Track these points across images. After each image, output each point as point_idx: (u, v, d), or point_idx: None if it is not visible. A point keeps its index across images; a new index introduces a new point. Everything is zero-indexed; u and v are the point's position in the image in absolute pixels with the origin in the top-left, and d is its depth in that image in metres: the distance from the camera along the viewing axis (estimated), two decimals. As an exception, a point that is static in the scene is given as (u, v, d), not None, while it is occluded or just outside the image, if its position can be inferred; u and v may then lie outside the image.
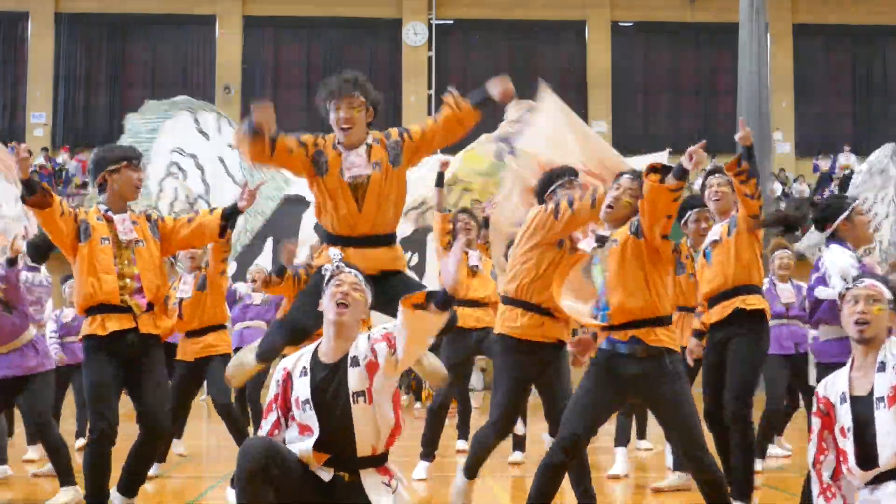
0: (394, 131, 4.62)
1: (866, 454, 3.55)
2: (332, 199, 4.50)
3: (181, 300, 6.96)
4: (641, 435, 8.78)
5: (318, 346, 3.76)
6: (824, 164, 22.83)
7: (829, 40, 24.28)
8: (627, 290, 4.31)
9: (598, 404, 4.40)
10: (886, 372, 3.59)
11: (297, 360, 3.75)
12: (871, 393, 3.59)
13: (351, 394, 3.60)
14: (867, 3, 23.82)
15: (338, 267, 3.75)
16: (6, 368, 5.84)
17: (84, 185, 21.22)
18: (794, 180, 22.25)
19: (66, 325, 8.09)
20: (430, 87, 23.62)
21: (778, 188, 21.28)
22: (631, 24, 24.10)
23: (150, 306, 4.87)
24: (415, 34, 23.76)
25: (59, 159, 22.17)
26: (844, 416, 3.62)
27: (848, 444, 3.59)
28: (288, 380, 3.71)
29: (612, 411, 4.66)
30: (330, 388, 3.63)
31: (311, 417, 3.61)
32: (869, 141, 23.86)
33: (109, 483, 4.85)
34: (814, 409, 3.77)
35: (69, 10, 23.53)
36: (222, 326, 7.20)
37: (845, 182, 22.24)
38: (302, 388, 3.65)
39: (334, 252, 3.73)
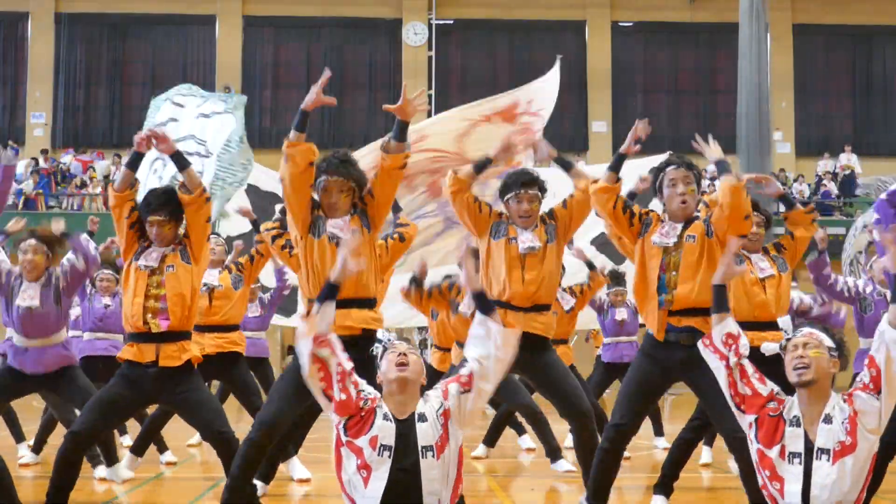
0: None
1: (805, 493, 3.55)
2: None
3: (211, 289, 6.85)
4: (659, 432, 8.81)
5: (385, 399, 3.82)
6: (826, 165, 22.83)
7: (829, 40, 24.29)
8: (701, 283, 4.62)
9: (645, 392, 4.79)
10: (833, 426, 3.58)
11: (382, 401, 3.82)
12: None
13: (420, 448, 3.68)
14: (867, 3, 23.83)
15: (389, 340, 3.90)
16: (36, 364, 5.78)
17: (84, 185, 21.22)
18: (795, 180, 22.26)
19: None
20: (430, 87, 23.61)
21: (778, 188, 21.26)
22: (631, 24, 24.10)
23: (180, 334, 4.94)
24: (415, 34, 23.76)
25: (65, 159, 22.15)
26: (793, 440, 3.59)
27: (794, 470, 3.56)
28: (373, 412, 3.75)
29: (659, 396, 5.01)
30: (404, 444, 3.69)
31: (383, 463, 3.65)
32: (869, 141, 23.89)
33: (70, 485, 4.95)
34: (775, 392, 3.72)
35: (69, 10, 23.54)
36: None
37: (844, 182, 22.26)
38: (386, 432, 3.70)
39: (383, 333, 3.91)
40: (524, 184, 5.29)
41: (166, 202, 4.94)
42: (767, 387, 3.73)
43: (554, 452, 7.25)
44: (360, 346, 4.35)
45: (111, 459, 5.88)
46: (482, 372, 3.79)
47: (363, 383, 3.82)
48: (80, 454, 4.95)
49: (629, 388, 4.80)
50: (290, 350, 22.10)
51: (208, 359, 6.41)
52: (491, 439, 8.29)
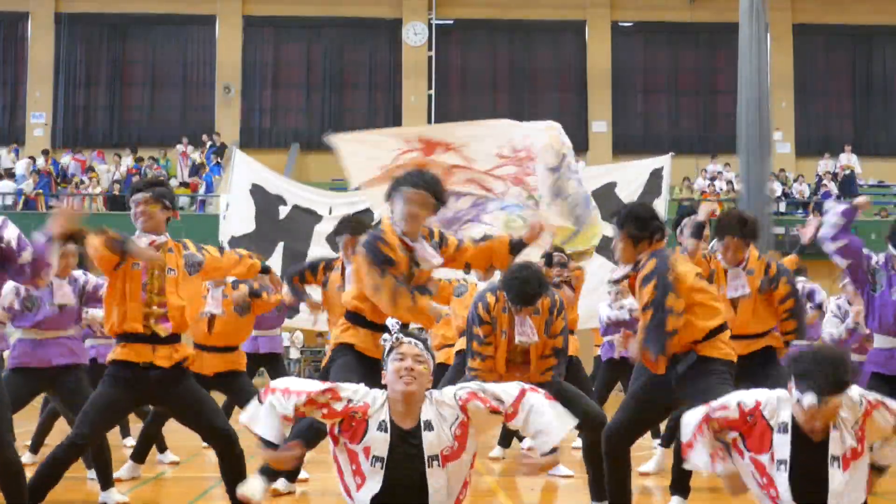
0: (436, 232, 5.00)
1: (805, 493, 3.52)
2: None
3: (212, 316, 6.80)
4: (656, 433, 8.80)
5: (390, 404, 3.66)
6: (826, 165, 22.85)
7: (829, 40, 24.30)
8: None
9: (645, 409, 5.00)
10: (843, 432, 3.54)
11: (379, 406, 3.65)
12: (823, 444, 3.53)
13: (426, 458, 3.59)
14: (867, 3, 23.84)
15: (397, 338, 3.68)
16: (58, 356, 5.85)
17: (82, 184, 21.23)
18: (795, 180, 22.27)
19: None
20: (430, 87, 23.63)
21: (778, 188, 21.29)
22: (631, 24, 24.12)
23: (174, 337, 4.93)
24: (415, 34, 23.76)
25: (64, 159, 22.14)
26: (780, 447, 3.56)
27: (780, 477, 3.54)
28: (364, 418, 3.62)
29: (663, 412, 5.29)
30: (406, 453, 3.59)
31: (376, 474, 3.57)
32: (869, 141, 23.90)
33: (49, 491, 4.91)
34: (744, 405, 3.66)
35: (69, 10, 23.55)
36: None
37: (844, 182, 22.27)
38: (379, 443, 3.59)
39: (392, 322, 3.68)
40: (524, 301, 5.25)
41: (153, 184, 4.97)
42: (735, 410, 3.65)
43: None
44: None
45: (106, 483, 5.87)
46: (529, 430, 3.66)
47: (347, 390, 3.67)
48: (68, 464, 4.92)
49: (632, 402, 4.99)
50: (287, 352, 22.06)
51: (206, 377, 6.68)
52: (506, 440, 8.38)
